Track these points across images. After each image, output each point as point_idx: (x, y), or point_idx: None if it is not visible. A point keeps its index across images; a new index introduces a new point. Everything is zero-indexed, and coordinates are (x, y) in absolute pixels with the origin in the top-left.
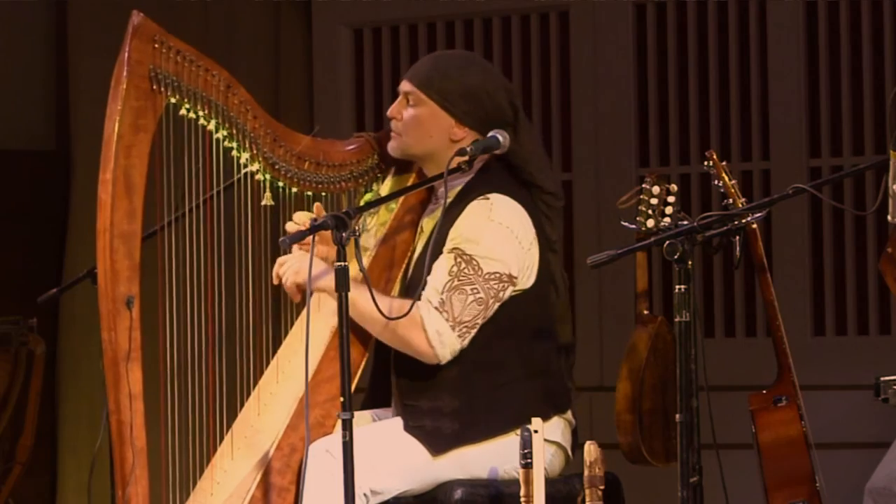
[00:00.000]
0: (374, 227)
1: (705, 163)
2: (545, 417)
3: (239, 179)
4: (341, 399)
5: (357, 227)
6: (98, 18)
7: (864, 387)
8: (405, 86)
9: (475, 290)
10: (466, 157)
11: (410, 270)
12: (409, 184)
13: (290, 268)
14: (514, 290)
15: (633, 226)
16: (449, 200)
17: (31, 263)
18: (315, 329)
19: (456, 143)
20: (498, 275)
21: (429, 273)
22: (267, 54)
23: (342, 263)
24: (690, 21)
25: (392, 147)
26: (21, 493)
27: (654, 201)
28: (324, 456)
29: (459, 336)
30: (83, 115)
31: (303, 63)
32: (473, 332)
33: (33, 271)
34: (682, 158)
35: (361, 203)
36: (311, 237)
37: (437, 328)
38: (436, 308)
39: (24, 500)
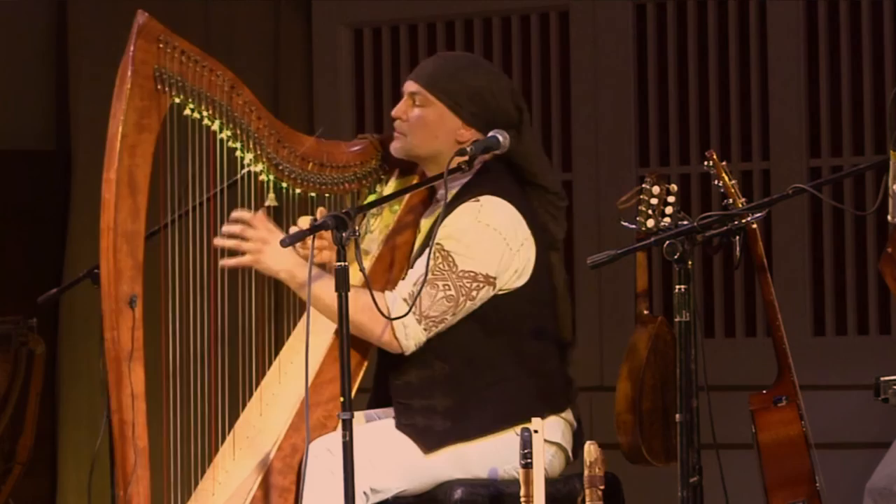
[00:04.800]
0: (377, 230)
1: (705, 163)
2: (540, 416)
3: (242, 178)
4: (341, 399)
5: (357, 228)
6: (98, 18)
7: (864, 387)
8: (410, 86)
9: (447, 287)
10: (466, 157)
11: (408, 269)
12: (445, 199)
13: (258, 239)
14: (502, 290)
15: (633, 226)
16: (444, 206)
17: (31, 263)
18: (317, 331)
19: (461, 145)
20: (472, 273)
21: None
22: (267, 54)
23: (342, 263)
24: (690, 21)
25: (396, 148)
26: (21, 493)
27: (654, 201)
28: (324, 454)
29: (425, 329)
30: (83, 115)
31: (303, 63)
32: (440, 326)
33: (33, 271)
34: (682, 158)
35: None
36: (311, 237)
37: (402, 320)
38: (404, 300)
39: (24, 500)
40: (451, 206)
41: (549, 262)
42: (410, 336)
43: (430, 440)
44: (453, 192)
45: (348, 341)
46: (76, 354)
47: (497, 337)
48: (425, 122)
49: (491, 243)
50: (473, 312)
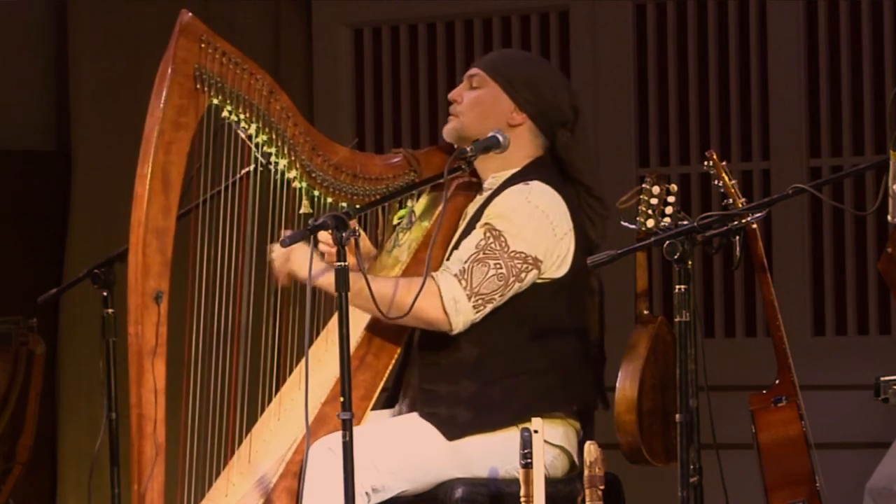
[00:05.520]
0: (405, 243)
1: (705, 163)
2: (556, 411)
3: (276, 187)
4: (341, 399)
5: (356, 228)
6: (98, 18)
7: (864, 387)
8: (471, 70)
9: (498, 266)
10: (467, 157)
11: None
12: (444, 200)
13: (282, 255)
14: (542, 279)
15: (633, 226)
16: (490, 192)
17: (31, 263)
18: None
19: (512, 129)
20: (523, 254)
21: (457, 248)
22: (267, 54)
23: (342, 263)
24: (690, 21)
25: (448, 129)
26: (21, 493)
27: (654, 201)
28: (326, 453)
29: (475, 307)
30: (83, 115)
31: (303, 63)
32: (489, 307)
33: (33, 271)
34: (682, 158)
35: (395, 219)
36: (310, 237)
37: (453, 295)
38: (455, 275)
39: (24, 500)
40: (497, 192)
41: (585, 262)
42: (461, 311)
43: (454, 429)
44: (501, 179)
45: (348, 342)
46: (76, 354)
47: (527, 327)
48: (479, 101)
49: (539, 226)
50: (508, 301)
